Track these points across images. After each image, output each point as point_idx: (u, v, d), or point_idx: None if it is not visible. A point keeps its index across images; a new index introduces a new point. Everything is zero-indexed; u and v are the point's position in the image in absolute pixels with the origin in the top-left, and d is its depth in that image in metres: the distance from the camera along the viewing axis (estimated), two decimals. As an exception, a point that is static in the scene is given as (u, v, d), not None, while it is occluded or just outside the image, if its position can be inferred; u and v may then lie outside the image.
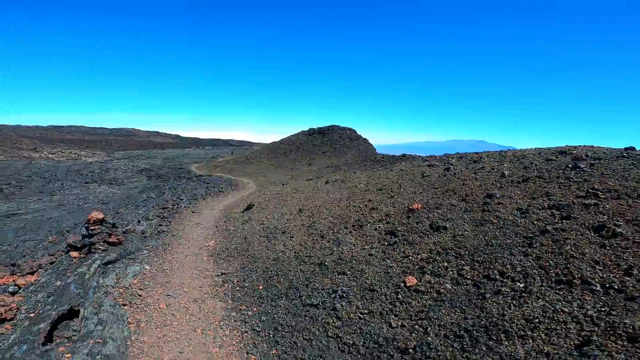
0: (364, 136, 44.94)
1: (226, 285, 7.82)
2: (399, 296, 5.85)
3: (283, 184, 20.41)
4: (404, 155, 27.89)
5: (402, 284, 6.08)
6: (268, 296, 7.00)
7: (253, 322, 6.21)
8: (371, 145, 43.90)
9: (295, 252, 8.52)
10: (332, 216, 10.01)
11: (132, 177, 33.91)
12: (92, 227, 8.86)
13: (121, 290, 7.34)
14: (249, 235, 10.70)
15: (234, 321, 6.33)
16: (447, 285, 5.78)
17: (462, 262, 6.22)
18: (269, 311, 6.49)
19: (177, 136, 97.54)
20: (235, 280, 7.96)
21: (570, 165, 9.18)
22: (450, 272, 6.05)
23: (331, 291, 6.48)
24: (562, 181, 8.30)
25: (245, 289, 7.50)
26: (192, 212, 15.33)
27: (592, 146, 12.33)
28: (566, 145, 12.87)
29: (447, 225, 7.51)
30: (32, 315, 5.90)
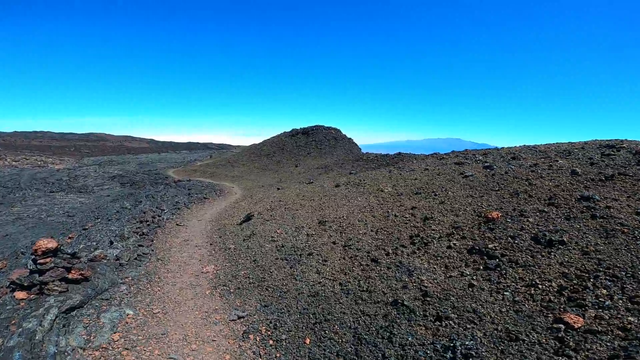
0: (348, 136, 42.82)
1: (251, 337, 5.17)
2: (569, 343, 3.57)
3: (278, 189, 17.68)
4: (400, 153, 25.88)
5: (562, 326, 3.80)
6: (325, 356, 4.44)
7: None
8: (356, 144, 41.86)
9: (340, 283, 5.95)
10: (372, 230, 7.52)
11: (104, 184, 30.03)
12: (42, 261, 5.93)
13: (97, 354, 4.67)
14: (259, 257, 8.03)
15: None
16: (630, 317, 3.68)
17: (629, 286, 4.12)
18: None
19: (152, 140, 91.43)
20: (264, 329, 5.31)
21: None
22: (621, 301, 4.01)
23: (442, 348, 3.97)
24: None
25: (284, 344, 4.88)
26: (177, 224, 12.36)
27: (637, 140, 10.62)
28: (610, 140, 11.08)
29: (564, 239, 5.28)
30: None
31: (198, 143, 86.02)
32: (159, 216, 13.27)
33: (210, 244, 9.82)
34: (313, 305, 5.56)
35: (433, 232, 6.64)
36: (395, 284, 5.42)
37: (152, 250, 9.15)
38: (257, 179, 29.62)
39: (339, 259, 6.72)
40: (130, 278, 7.40)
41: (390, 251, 6.38)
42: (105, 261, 7.88)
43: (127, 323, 5.66)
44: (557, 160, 9.30)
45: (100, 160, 47.60)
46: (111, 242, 9.26)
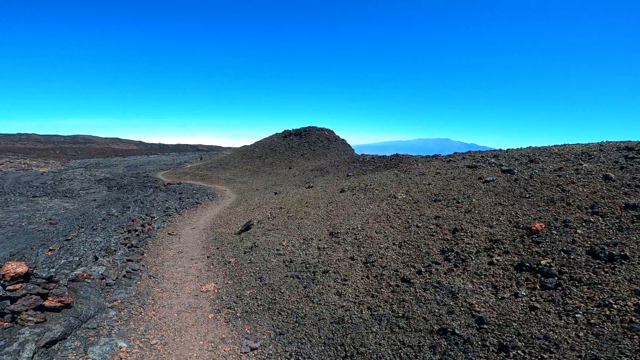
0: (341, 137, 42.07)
1: (270, 374, 4.29)
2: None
3: (276, 193, 16.74)
4: (397, 155, 25.20)
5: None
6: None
7: None
8: (349, 146, 41.14)
9: (368, 308, 5.08)
10: (394, 244, 6.67)
11: (90, 188, 28.50)
12: (11, 287, 4.91)
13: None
14: (265, 273, 7.11)
15: None
16: None
17: None
18: None
19: (140, 142, 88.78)
20: (283, 365, 4.44)
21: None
22: None
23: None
24: None
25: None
26: (169, 234, 11.30)
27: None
28: (628, 141, 10.54)
29: (626, 253, 4.56)
30: None
31: (187, 145, 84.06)
32: (149, 224, 12.18)
33: (208, 257, 8.85)
34: (339, 335, 4.69)
35: (468, 246, 5.84)
36: (438, 309, 4.59)
37: (143, 266, 8.14)
38: (250, 182, 28.60)
39: (362, 278, 5.86)
40: (119, 301, 6.41)
41: (423, 269, 5.54)
42: (89, 281, 6.84)
43: (120, 359, 4.72)
44: (582, 164, 8.66)
45: (86, 163, 45.70)
46: (96, 258, 8.19)
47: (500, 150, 13.26)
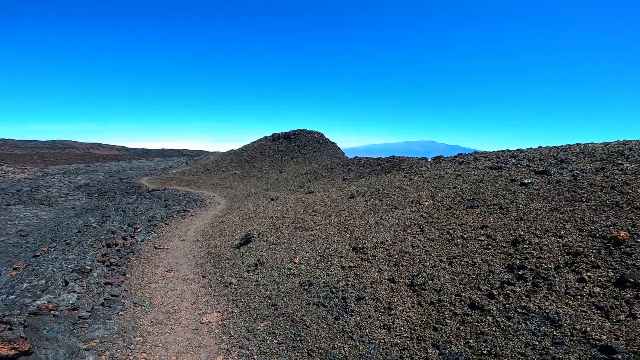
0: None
1: None
2: None
3: (272, 199, 15.34)
4: (393, 157, 24.25)
5: None
6: None
7: None
8: (339, 149, 40.05)
9: (434, 344, 3.80)
10: (442, 260, 5.45)
11: (69, 195, 26.28)
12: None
13: None
14: (279, 299, 5.78)
15: None
16: None
17: None
18: None
19: (123, 147, 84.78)
20: None
21: None
22: None
23: None
24: None
25: None
26: (156, 247, 9.73)
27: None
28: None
29: None
30: None
31: (172, 150, 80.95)
32: (132, 236, 10.57)
33: (203, 277, 7.40)
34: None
35: (542, 261, 4.71)
36: (538, 340, 3.40)
37: (126, 290, 6.65)
38: (240, 187, 27.06)
39: (412, 306, 4.61)
40: (97, 340, 4.97)
41: (494, 291, 4.36)
42: (57, 313, 5.35)
43: None
44: (622, 164, 7.76)
45: (66, 169, 42.84)
46: (66, 282, 6.63)
47: (519, 150, 12.37)
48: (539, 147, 12.60)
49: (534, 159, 9.96)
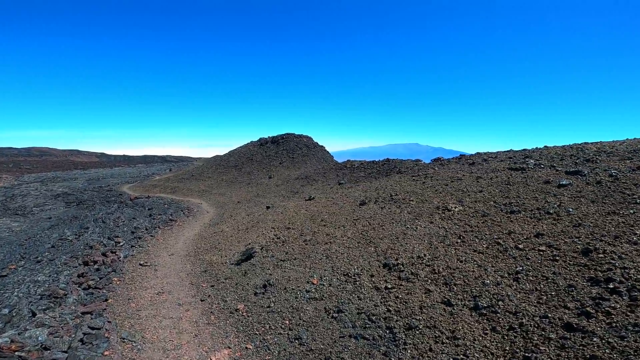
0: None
1: None
2: None
3: (268, 207, 14.17)
4: (388, 159, 23.49)
5: None
6: None
7: None
8: (329, 152, 39.15)
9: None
10: (502, 276, 4.55)
11: (45, 204, 24.27)
12: None
13: None
14: (302, 330, 4.73)
15: None
16: None
17: None
18: None
19: (103, 154, 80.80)
20: None
21: None
22: None
23: None
24: None
25: None
26: (142, 264, 8.42)
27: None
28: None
29: None
30: None
31: (155, 156, 77.85)
32: (113, 252, 9.23)
33: (202, 300, 6.25)
34: None
35: (628, 271, 3.92)
36: None
37: (109, 322, 5.45)
38: (228, 194, 25.68)
39: (485, 334, 3.68)
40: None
41: (589, 309, 3.50)
42: (23, 355, 4.12)
43: None
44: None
45: (43, 177, 40.13)
46: (33, 314, 5.35)
47: (537, 148, 11.75)
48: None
49: (553, 159, 9.30)
